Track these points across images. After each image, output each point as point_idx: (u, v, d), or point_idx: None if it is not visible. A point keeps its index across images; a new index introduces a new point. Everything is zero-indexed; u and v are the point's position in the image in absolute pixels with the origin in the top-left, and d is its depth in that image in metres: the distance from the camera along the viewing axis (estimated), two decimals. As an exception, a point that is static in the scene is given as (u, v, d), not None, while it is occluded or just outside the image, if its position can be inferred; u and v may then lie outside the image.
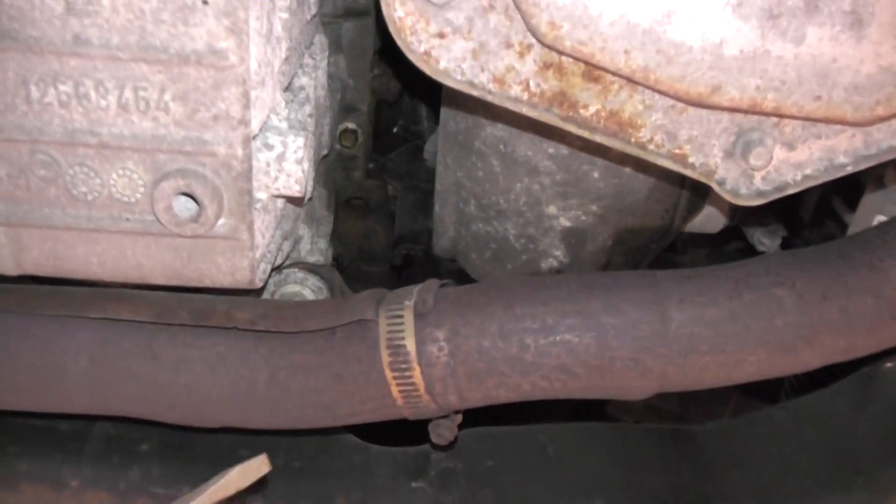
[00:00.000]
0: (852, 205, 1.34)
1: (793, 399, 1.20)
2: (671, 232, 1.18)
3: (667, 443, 1.15)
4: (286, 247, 1.14)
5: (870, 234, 0.97)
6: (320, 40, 1.16)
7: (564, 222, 1.12)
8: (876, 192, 1.24)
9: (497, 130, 1.09)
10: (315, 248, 1.25)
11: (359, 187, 1.45)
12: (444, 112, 1.18)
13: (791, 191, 0.91)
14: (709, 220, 1.26)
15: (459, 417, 1.01)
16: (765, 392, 1.56)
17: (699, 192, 1.18)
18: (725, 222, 1.28)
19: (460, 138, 1.15)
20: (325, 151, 1.27)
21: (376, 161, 1.54)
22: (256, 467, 0.87)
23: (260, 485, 1.00)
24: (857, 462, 1.08)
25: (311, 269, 1.18)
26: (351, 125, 1.40)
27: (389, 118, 1.64)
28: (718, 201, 1.25)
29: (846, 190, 1.43)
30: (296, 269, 1.18)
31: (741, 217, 1.38)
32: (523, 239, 1.15)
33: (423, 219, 1.40)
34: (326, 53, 1.17)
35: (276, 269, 1.17)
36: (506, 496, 1.09)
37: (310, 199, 1.20)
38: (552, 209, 1.11)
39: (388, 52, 1.41)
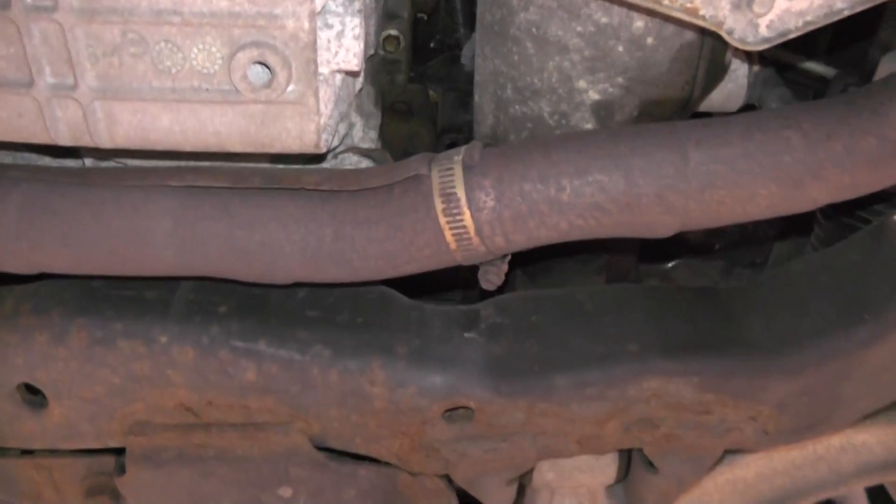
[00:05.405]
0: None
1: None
2: (691, 103, 1.28)
3: (694, 298, 1.26)
4: (342, 129, 1.26)
5: (874, 84, 1.07)
6: (364, -53, 1.27)
7: (594, 95, 1.22)
8: (888, 63, 1.34)
9: (530, 15, 1.20)
10: (367, 137, 1.37)
11: (402, 91, 1.56)
12: (481, 5, 1.29)
13: (793, 35, 1.01)
14: (728, 98, 1.37)
15: (506, 266, 1.13)
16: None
17: (717, 65, 1.28)
18: (744, 100, 1.39)
19: (496, 28, 1.26)
20: (371, 51, 1.38)
21: (416, 70, 1.66)
22: None
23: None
24: (865, 302, 1.19)
25: (365, 153, 1.30)
26: (393, 31, 1.51)
27: (427, 34, 1.76)
28: (736, 79, 1.35)
29: (866, 81, 1.52)
30: (351, 153, 1.30)
31: (759, 96, 1.48)
32: (556, 115, 1.26)
33: (463, 113, 1.51)
34: (370, -39, 1.28)
35: (333, 152, 1.29)
36: (549, 345, 1.20)
37: (359, 91, 1.31)
38: (582, 84, 1.22)
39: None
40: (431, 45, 1.78)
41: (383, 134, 1.55)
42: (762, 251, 1.76)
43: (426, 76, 1.65)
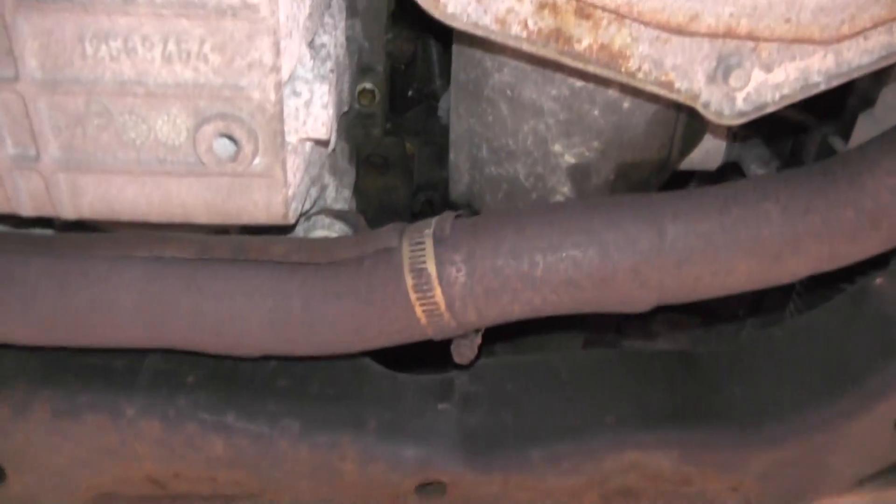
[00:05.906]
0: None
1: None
2: (669, 165, 1.26)
3: (673, 365, 1.24)
4: (314, 192, 1.23)
5: (851, 152, 1.06)
6: (337, 2, 1.25)
7: (569, 159, 1.20)
8: (866, 121, 1.33)
9: (504, 76, 1.18)
10: (340, 196, 1.35)
11: (378, 144, 1.53)
12: (455, 64, 1.27)
13: (770, 109, 1.00)
14: (707, 156, 1.35)
15: (479, 339, 1.10)
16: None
17: (694, 127, 1.26)
18: (723, 158, 1.37)
19: (470, 87, 1.24)
20: (345, 108, 1.36)
21: (393, 121, 1.63)
22: None
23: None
24: (847, 370, 1.17)
25: (338, 214, 1.27)
26: (368, 85, 1.48)
27: (404, 83, 1.73)
28: (715, 136, 1.34)
29: (845, 130, 1.51)
30: (323, 216, 1.27)
31: (738, 154, 1.46)
32: (532, 177, 1.24)
33: (439, 169, 1.49)
34: (344, 14, 1.26)
35: (305, 215, 1.26)
36: (524, 416, 1.18)
37: (333, 150, 1.29)
38: (557, 147, 1.20)
39: (401, 15, 1.50)
40: (409, 93, 1.76)
41: (358, 188, 1.52)
42: (743, 303, 1.74)
43: (403, 128, 1.62)
